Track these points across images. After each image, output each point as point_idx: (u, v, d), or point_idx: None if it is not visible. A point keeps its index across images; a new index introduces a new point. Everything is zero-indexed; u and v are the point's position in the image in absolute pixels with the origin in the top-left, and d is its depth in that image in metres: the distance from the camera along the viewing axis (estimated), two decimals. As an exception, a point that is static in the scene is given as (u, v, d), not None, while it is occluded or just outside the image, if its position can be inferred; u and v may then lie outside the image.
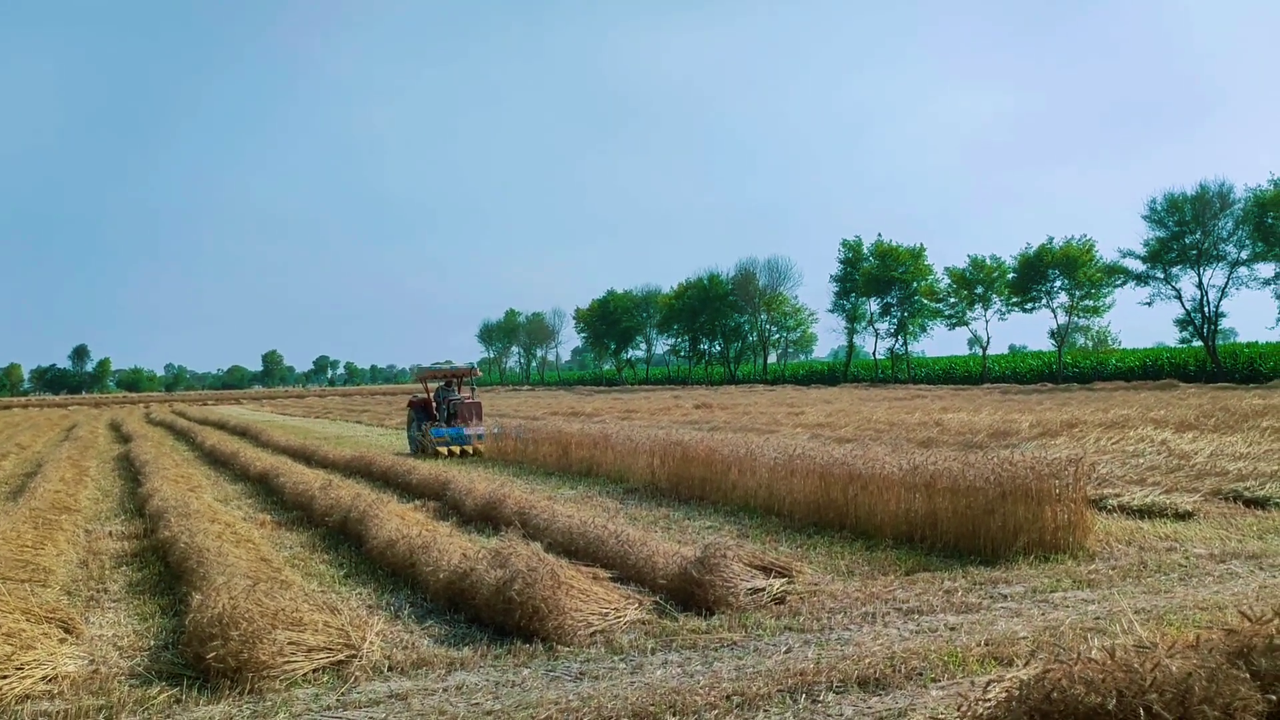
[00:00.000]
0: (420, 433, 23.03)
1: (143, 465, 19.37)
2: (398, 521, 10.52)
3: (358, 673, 6.24)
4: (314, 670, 6.25)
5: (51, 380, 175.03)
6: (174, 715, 5.59)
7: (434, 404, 24.01)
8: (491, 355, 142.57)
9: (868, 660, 6.03)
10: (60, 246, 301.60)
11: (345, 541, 11.02)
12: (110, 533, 12.31)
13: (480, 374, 26.43)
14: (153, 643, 7.14)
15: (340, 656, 6.42)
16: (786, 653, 6.39)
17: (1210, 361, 54.46)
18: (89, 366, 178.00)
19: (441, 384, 24.96)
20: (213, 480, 18.53)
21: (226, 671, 5.99)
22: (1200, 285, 54.69)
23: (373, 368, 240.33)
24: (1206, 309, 54.66)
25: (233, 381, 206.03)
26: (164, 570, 9.67)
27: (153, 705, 5.73)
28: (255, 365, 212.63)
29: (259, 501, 15.28)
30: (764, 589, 7.79)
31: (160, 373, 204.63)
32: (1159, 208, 54.93)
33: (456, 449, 21.96)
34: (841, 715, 5.21)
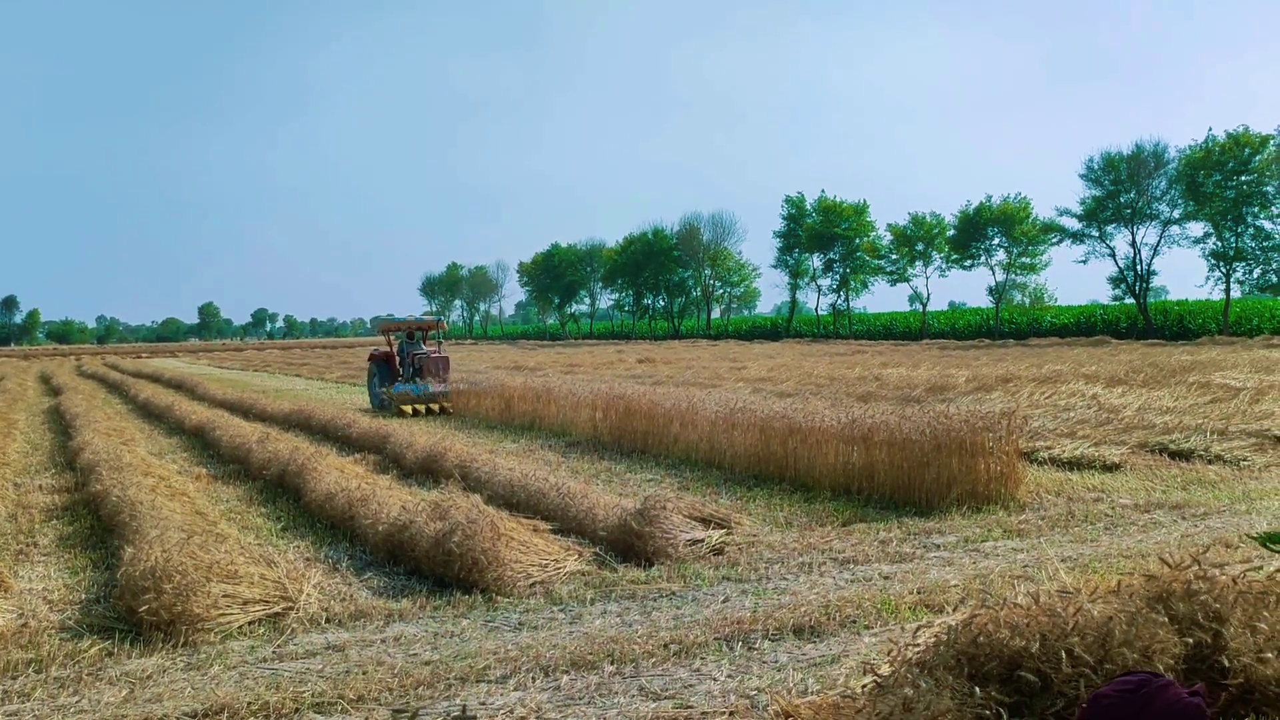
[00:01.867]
0: (382, 389, 21.79)
1: (74, 418, 18.94)
2: (337, 474, 10.43)
3: (294, 625, 6.21)
4: (250, 622, 6.21)
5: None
6: (105, 668, 5.52)
7: (397, 358, 22.77)
8: (434, 309, 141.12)
9: (803, 609, 6.13)
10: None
11: (283, 495, 10.90)
12: (40, 486, 12.05)
13: (447, 326, 25.11)
14: (84, 596, 7.03)
15: (277, 609, 6.37)
16: (724, 602, 6.47)
17: (1141, 318, 55.73)
18: (17, 318, 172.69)
19: (404, 337, 23.53)
20: (147, 434, 18.19)
21: (160, 624, 5.92)
22: (1134, 243, 55.79)
23: (312, 321, 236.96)
24: (1139, 267, 55.81)
25: (167, 334, 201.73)
26: (96, 524, 9.51)
27: (84, 658, 5.65)
28: (191, 318, 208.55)
29: (195, 455, 15.05)
30: (703, 540, 7.87)
31: (92, 325, 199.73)
32: (1096, 166, 55.76)
33: (422, 407, 20.60)
34: (777, 662, 5.30)
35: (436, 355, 22.45)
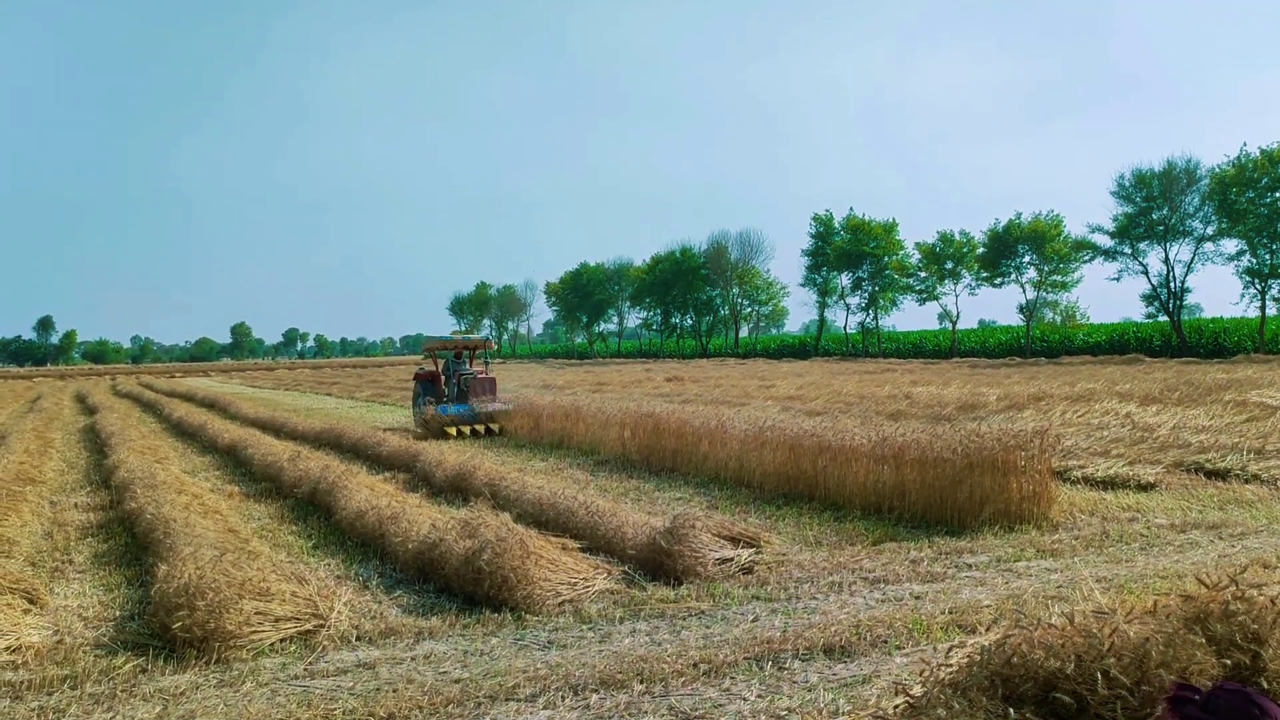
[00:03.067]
0: (425, 410, 20.73)
1: (109, 437, 19.16)
2: (367, 492, 10.49)
3: (325, 642, 6.24)
4: (281, 640, 6.24)
5: (16, 352, 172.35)
6: (139, 685, 5.56)
7: (443, 378, 22.14)
8: (462, 328, 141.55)
9: (834, 628, 6.09)
10: (25, 218, 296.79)
11: (314, 512, 10.97)
12: (75, 504, 12.20)
13: (494, 346, 23.75)
14: (118, 613, 7.10)
15: (308, 626, 6.41)
16: (754, 621, 6.44)
17: (1175, 336, 55.09)
18: (54, 338, 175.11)
19: (451, 356, 22.78)
20: (180, 452, 18.38)
21: (193, 641, 5.97)
22: (1167, 261, 55.23)
23: (343, 341, 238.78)
24: (1173, 284, 55.22)
25: (200, 354, 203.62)
26: (130, 541, 9.60)
27: (118, 675, 5.70)
28: (224, 338, 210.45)
29: (227, 473, 15.18)
30: (732, 559, 7.84)
31: (126, 345, 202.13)
32: (1127, 183, 55.31)
33: (467, 428, 19.71)
34: (807, 682, 5.26)
35: (483, 375, 21.74)
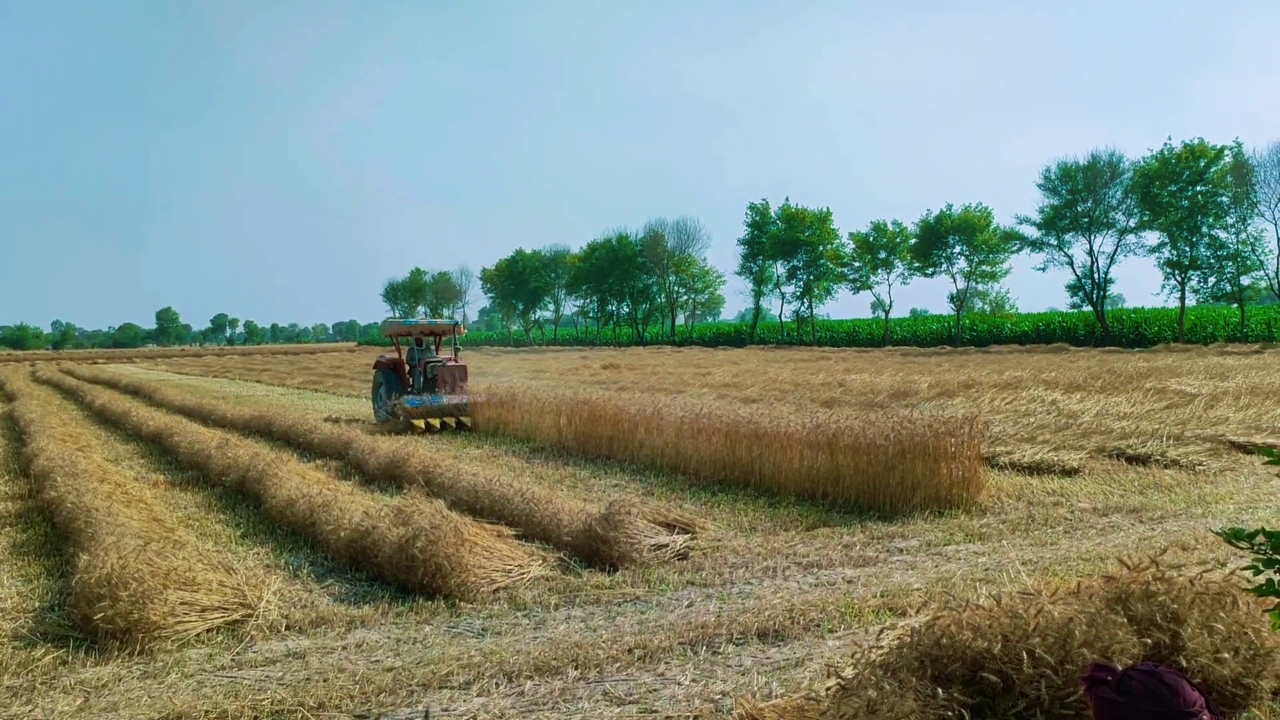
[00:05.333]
0: (389, 401, 19.11)
1: (28, 424, 18.60)
2: (298, 480, 10.33)
3: (254, 632, 6.12)
4: (208, 630, 6.12)
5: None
6: (60, 677, 5.41)
7: (407, 367, 20.22)
8: (397, 315, 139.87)
9: (768, 613, 6.14)
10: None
11: (243, 501, 10.77)
12: (-8, 493, 11.81)
13: (465, 331, 21.73)
14: (38, 604, 6.89)
15: (236, 616, 6.29)
16: (688, 607, 6.47)
17: (1099, 326, 56.52)
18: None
19: (413, 342, 20.75)
20: (103, 440, 17.91)
21: (115, 632, 5.83)
22: (1091, 252, 56.65)
23: (273, 327, 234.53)
24: (1096, 275, 56.63)
25: (125, 340, 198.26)
26: (50, 531, 9.33)
27: (37, 667, 5.54)
28: (149, 323, 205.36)
29: (152, 461, 14.83)
30: (667, 545, 7.87)
31: (47, 330, 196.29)
32: (1053, 176, 56.56)
33: (436, 421, 18.19)
34: (741, 666, 5.30)
35: (453, 364, 19.64)
